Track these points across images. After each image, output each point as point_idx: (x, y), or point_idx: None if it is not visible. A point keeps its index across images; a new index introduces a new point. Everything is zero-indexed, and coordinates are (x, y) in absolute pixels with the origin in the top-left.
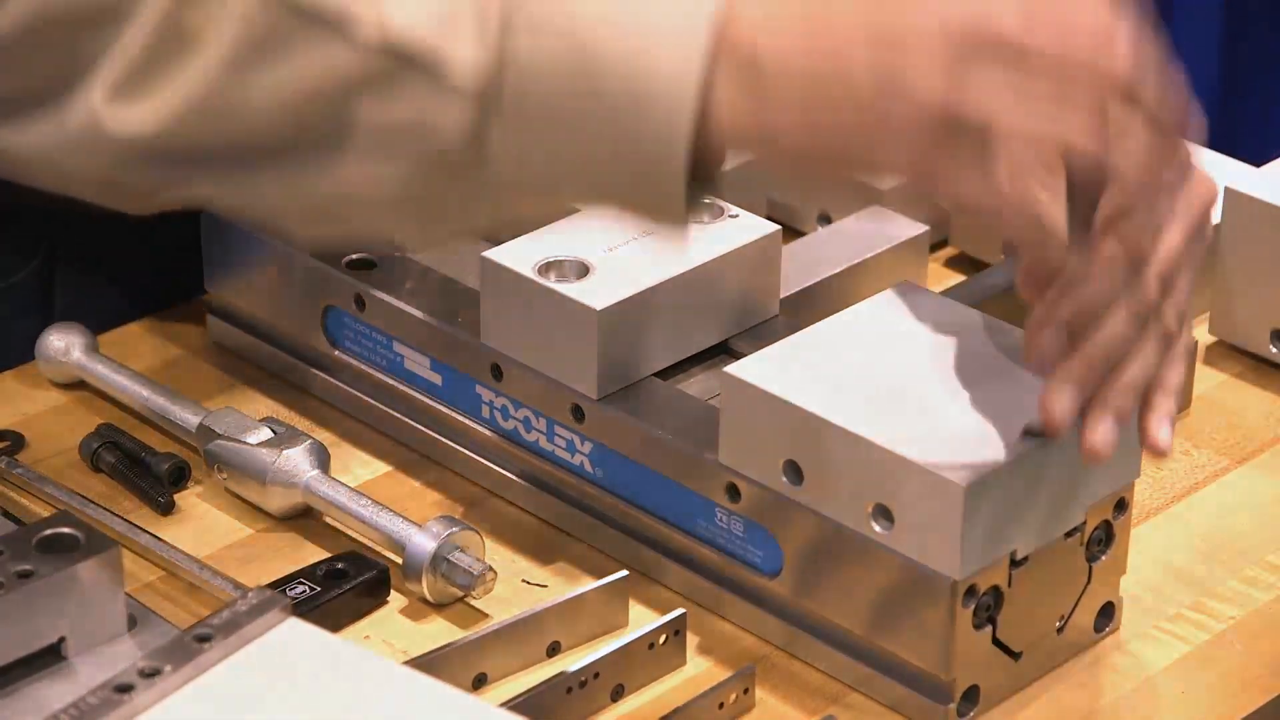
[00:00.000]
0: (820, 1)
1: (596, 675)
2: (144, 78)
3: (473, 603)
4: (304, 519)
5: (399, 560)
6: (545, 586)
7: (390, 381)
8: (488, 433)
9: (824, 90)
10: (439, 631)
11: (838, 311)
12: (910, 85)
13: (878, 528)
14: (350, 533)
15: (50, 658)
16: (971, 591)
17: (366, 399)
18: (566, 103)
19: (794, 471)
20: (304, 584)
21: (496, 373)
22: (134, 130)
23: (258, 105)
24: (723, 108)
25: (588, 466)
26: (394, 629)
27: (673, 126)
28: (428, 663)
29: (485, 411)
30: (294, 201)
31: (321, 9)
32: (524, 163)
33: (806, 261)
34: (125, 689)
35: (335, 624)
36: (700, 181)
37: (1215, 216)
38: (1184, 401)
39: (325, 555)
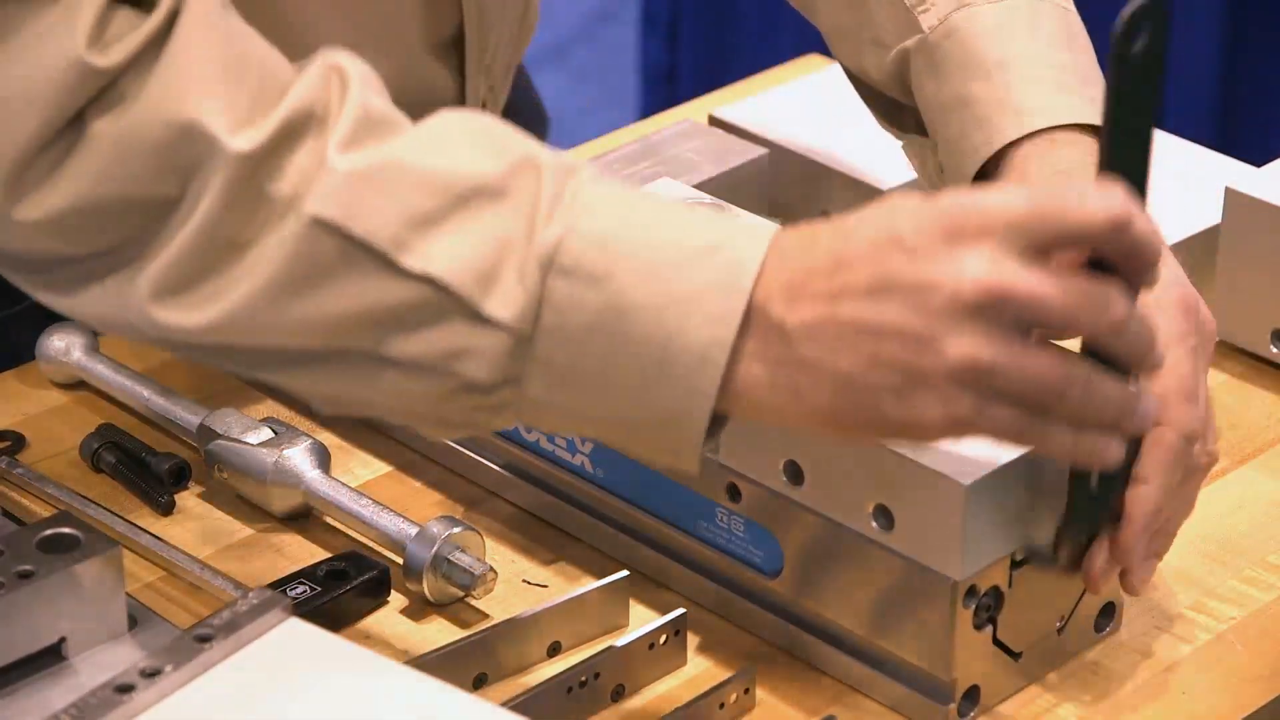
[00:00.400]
0: (837, 267)
1: (597, 675)
2: (190, 283)
3: (473, 603)
4: (304, 519)
5: (399, 560)
6: (546, 586)
7: None
8: (488, 432)
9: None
10: (439, 631)
11: None
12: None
13: (878, 527)
14: (351, 533)
15: (51, 657)
16: (972, 592)
17: None
18: (596, 351)
19: (794, 472)
20: (304, 584)
21: None
22: (177, 325)
23: (297, 321)
24: (744, 376)
25: (588, 466)
26: (394, 629)
27: (696, 394)
28: (428, 662)
29: None
30: (326, 396)
31: (371, 239)
32: (550, 399)
33: None
34: (126, 689)
35: (336, 624)
36: (712, 432)
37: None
38: None
39: (326, 555)
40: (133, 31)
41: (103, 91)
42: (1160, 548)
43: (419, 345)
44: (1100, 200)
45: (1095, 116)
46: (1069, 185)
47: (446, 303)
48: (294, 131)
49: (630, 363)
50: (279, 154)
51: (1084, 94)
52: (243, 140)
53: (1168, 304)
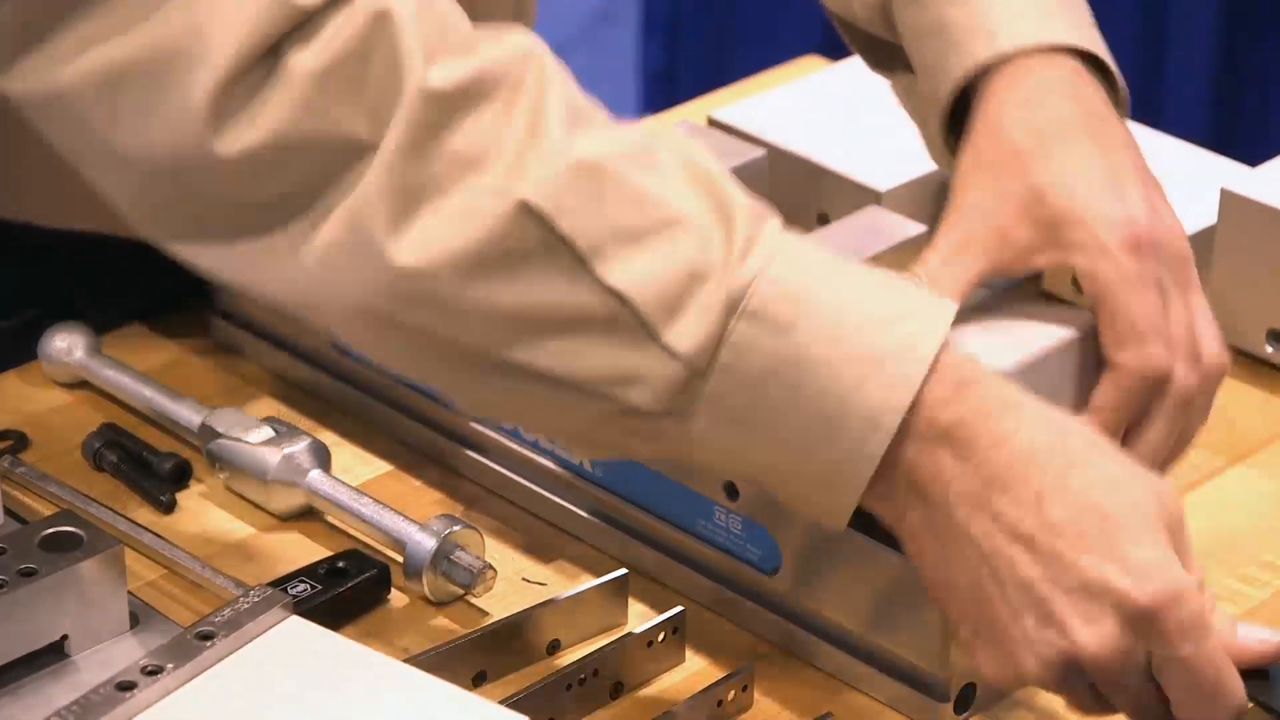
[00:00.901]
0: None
1: (595, 673)
2: (406, 212)
3: (473, 601)
4: (305, 518)
5: (400, 559)
6: (545, 585)
7: (391, 381)
8: (488, 432)
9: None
10: (439, 629)
11: None
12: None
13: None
14: (351, 531)
15: (53, 655)
16: None
17: (368, 398)
18: (769, 397)
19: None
20: (305, 582)
21: None
22: (403, 260)
23: (480, 302)
24: (921, 467)
25: (587, 465)
26: (395, 627)
27: (862, 456)
28: (428, 660)
29: None
30: (482, 402)
31: (575, 239)
32: (712, 437)
33: None
34: (127, 687)
35: (336, 622)
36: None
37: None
38: None
39: (326, 554)
40: None
41: (300, 26)
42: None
43: (592, 361)
44: (1230, 702)
45: (1075, 38)
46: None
47: (629, 322)
48: (487, 89)
49: (802, 415)
50: (469, 106)
51: (1065, 17)
52: (436, 77)
53: (1113, 248)
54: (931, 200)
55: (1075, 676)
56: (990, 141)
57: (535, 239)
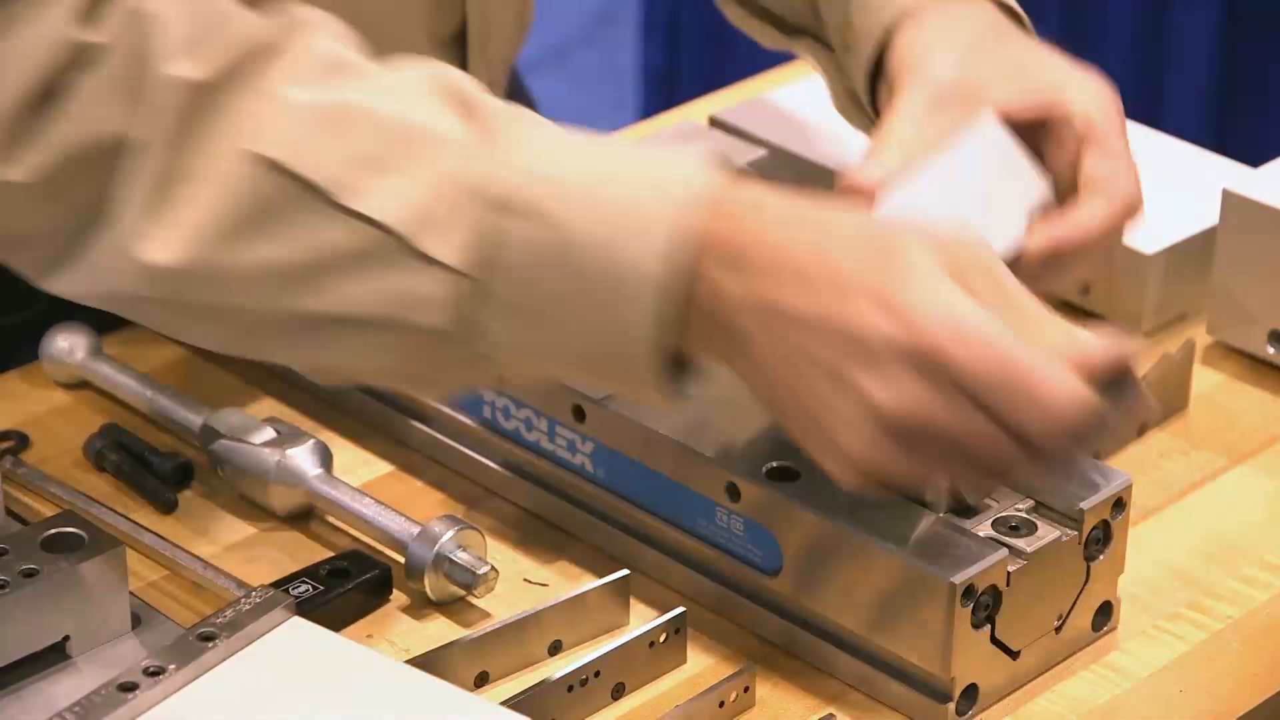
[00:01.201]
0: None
1: (597, 674)
2: (162, 205)
3: (474, 602)
4: (307, 518)
5: (401, 559)
6: (546, 585)
7: None
8: (489, 433)
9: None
10: (441, 630)
11: None
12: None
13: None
14: (353, 532)
15: (55, 656)
16: (970, 591)
17: (369, 399)
18: (550, 287)
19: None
20: (307, 583)
21: None
22: (152, 263)
23: (252, 267)
24: (697, 303)
25: (589, 466)
26: (396, 628)
27: (647, 320)
28: (430, 661)
29: (486, 411)
30: (292, 360)
31: (314, 179)
32: (512, 342)
33: None
34: (129, 687)
35: (338, 623)
36: (680, 374)
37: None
38: (1181, 402)
39: (328, 554)
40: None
41: (84, 56)
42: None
43: (373, 294)
44: (1065, 401)
45: None
46: (1051, 365)
47: (394, 247)
48: (245, 66)
49: (584, 295)
50: (229, 88)
51: None
52: (194, 70)
53: (1099, 94)
54: None
55: (908, 448)
56: (926, 62)
57: (281, 189)
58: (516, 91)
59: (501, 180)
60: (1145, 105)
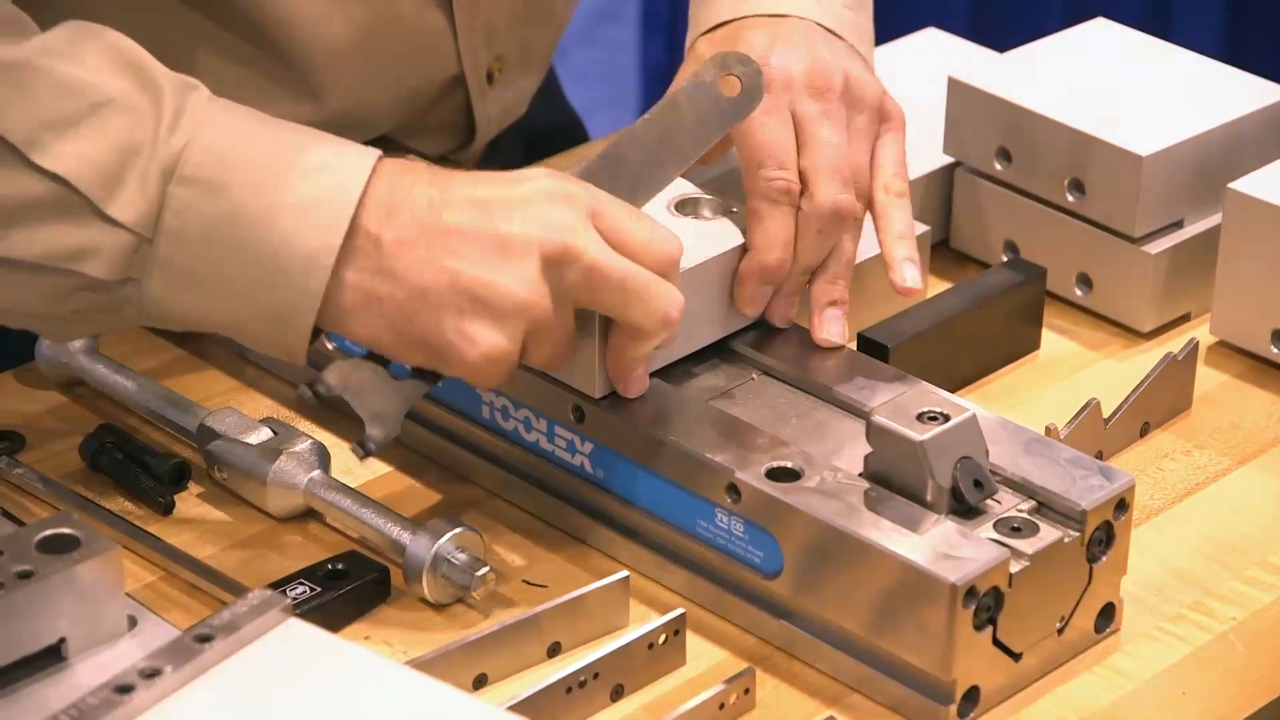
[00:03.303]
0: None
1: (596, 675)
2: None
3: (473, 603)
4: (304, 519)
5: (399, 561)
6: (545, 587)
7: None
8: (488, 433)
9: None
10: (439, 632)
11: None
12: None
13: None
14: (351, 533)
15: (50, 658)
16: (972, 592)
17: None
18: (213, 254)
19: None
20: (304, 584)
21: None
22: None
23: None
24: (342, 282)
25: (588, 467)
26: (394, 629)
27: (305, 295)
28: (428, 663)
29: (486, 412)
30: None
31: (7, 135)
32: (169, 298)
33: None
34: (125, 689)
35: (336, 624)
36: (315, 335)
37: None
38: (1184, 402)
39: (326, 556)
40: None
41: None
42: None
43: (45, 242)
44: (660, 308)
45: (810, 11)
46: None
47: (74, 202)
48: None
49: (245, 266)
50: None
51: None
52: None
53: (798, 86)
54: (933, 199)
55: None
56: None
57: None
58: (559, 110)
59: (179, 150)
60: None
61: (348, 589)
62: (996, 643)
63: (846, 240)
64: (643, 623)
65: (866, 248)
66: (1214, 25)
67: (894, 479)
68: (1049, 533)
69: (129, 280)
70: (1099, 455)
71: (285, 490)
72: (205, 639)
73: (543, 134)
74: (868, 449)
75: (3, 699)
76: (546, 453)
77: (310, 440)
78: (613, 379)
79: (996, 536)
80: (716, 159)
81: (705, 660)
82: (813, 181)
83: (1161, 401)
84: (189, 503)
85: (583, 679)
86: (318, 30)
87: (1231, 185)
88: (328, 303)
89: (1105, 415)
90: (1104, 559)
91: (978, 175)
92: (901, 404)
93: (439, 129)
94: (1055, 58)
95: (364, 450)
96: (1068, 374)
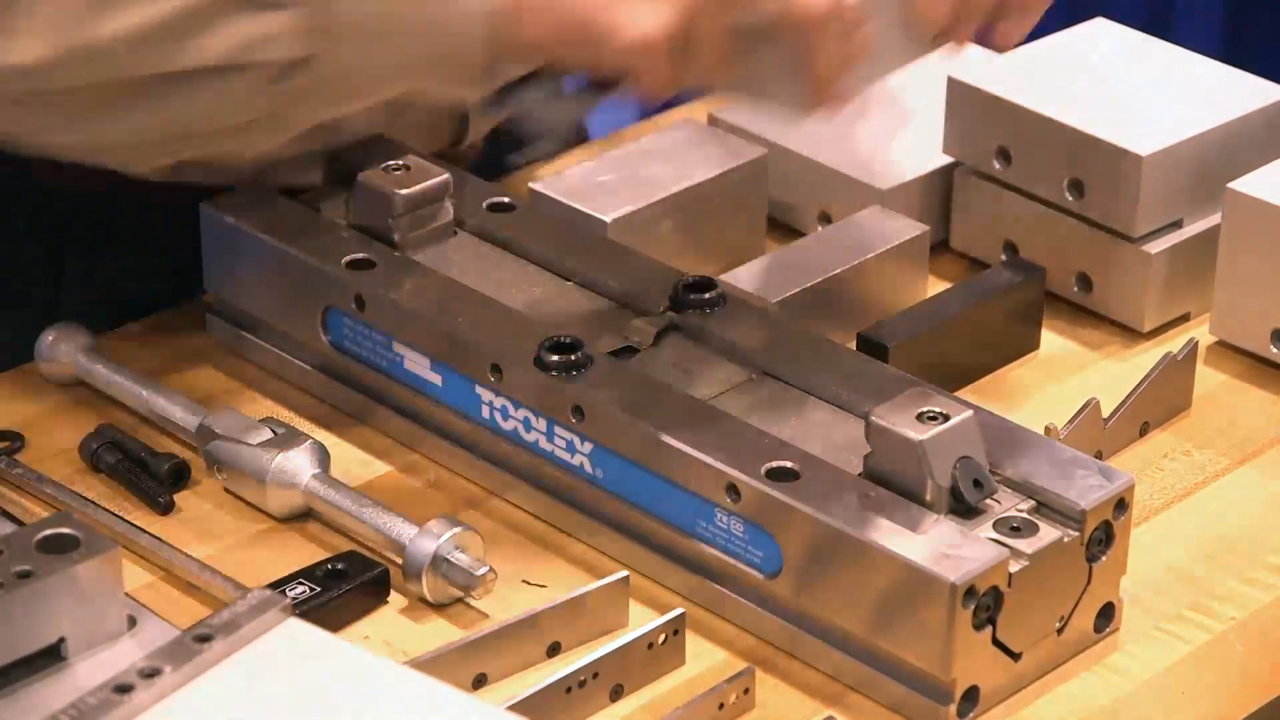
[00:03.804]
0: None
1: (596, 675)
2: (13, 6)
3: (472, 603)
4: (304, 519)
5: (399, 561)
6: (545, 587)
7: (390, 382)
8: (488, 433)
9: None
10: (439, 632)
11: (837, 311)
12: None
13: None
14: (350, 533)
15: (50, 658)
16: (971, 592)
17: (366, 399)
18: (387, 3)
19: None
20: (304, 584)
21: (496, 372)
22: (14, 61)
23: (108, 43)
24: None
25: (587, 466)
26: (394, 629)
27: (477, 12)
28: (427, 663)
29: (485, 411)
30: (148, 135)
31: None
32: (352, 61)
33: (807, 261)
34: (125, 689)
35: (335, 624)
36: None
37: None
38: (1184, 402)
39: (325, 556)
40: None
41: None
42: None
43: (222, 41)
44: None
45: None
46: None
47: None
48: None
49: (417, 6)
50: None
51: None
52: None
53: None
54: (932, 199)
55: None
56: None
57: None
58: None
59: None
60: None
61: (347, 589)
62: (996, 642)
63: None
64: (642, 623)
65: (866, 247)
66: (1214, 25)
67: (893, 479)
68: (1048, 532)
69: (312, 58)
70: (1098, 455)
71: (285, 490)
72: (205, 639)
73: (539, 129)
74: (867, 449)
75: (2, 699)
76: (546, 453)
77: (310, 440)
78: (812, 97)
79: (996, 536)
80: None
81: (705, 660)
82: None
83: (1161, 401)
84: (189, 503)
85: (582, 679)
86: None
87: (1231, 185)
88: (495, 10)
89: (1105, 415)
90: (1103, 559)
91: (977, 175)
92: (901, 404)
93: (430, 127)
94: (1055, 58)
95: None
96: (1067, 374)
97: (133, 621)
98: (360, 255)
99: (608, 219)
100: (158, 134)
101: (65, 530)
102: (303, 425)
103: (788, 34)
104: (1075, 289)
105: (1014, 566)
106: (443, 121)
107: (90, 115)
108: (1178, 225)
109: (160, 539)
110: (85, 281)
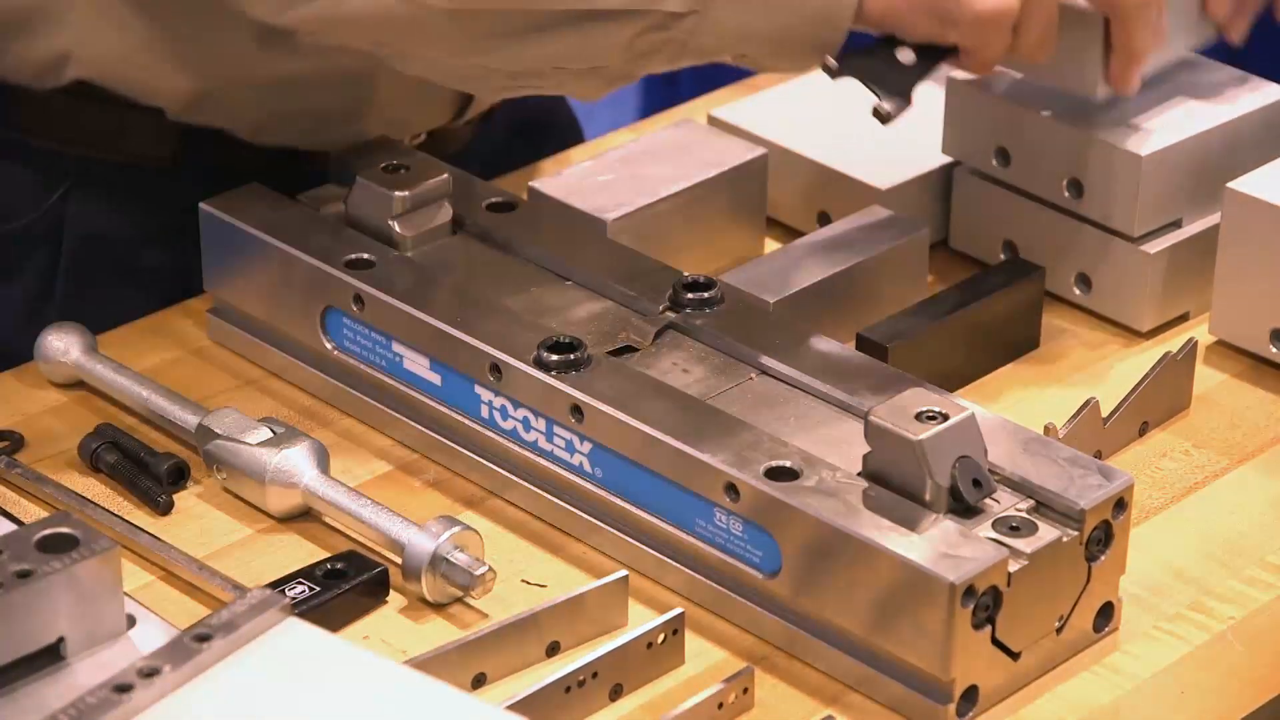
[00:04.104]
0: None
1: (595, 675)
2: None
3: (472, 602)
4: (303, 519)
5: (398, 560)
6: (544, 586)
7: (390, 381)
8: (487, 433)
9: None
10: (438, 631)
11: (837, 311)
12: None
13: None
14: (349, 533)
15: (49, 657)
16: (970, 592)
17: (366, 399)
18: None
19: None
20: (303, 584)
21: (495, 372)
22: None
23: None
24: None
25: (587, 466)
26: (393, 629)
27: None
28: (427, 662)
29: (485, 411)
30: (523, 66)
31: None
32: (726, 18)
33: (806, 261)
34: (124, 689)
35: (334, 624)
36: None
37: None
38: (1183, 401)
39: (324, 555)
40: None
41: None
42: None
43: None
44: None
45: None
46: None
47: None
48: None
49: None
50: None
51: None
52: None
53: None
54: (932, 199)
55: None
56: None
57: None
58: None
59: None
60: None
61: (347, 588)
62: (995, 642)
63: None
64: (641, 622)
65: (866, 247)
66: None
67: (893, 478)
68: (1047, 532)
69: (693, 13)
70: (1098, 455)
71: (284, 490)
72: (204, 638)
73: (536, 125)
74: (866, 448)
75: (2, 698)
76: (546, 452)
77: (309, 440)
78: (1115, 76)
79: (995, 536)
80: None
81: (704, 660)
82: None
83: (1160, 401)
84: (188, 502)
85: (581, 678)
86: None
87: (1230, 185)
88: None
89: (1104, 415)
90: (1102, 558)
91: (977, 175)
92: (900, 403)
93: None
94: (1055, 58)
95: (881, 118)
96: (1066, 373)
97: (132, 621)
98: (360, 255)
99: (608, 219)
100: (532, 67)
101: (65, 530)
102: (302, 425)
103: (1110, 15)
104: (1075, 289)
105: (1013, 566)
106: (447, 92)
107: (493, 41)
108: (1177, 225)
109: (159, 539)
110: (85, 281)
